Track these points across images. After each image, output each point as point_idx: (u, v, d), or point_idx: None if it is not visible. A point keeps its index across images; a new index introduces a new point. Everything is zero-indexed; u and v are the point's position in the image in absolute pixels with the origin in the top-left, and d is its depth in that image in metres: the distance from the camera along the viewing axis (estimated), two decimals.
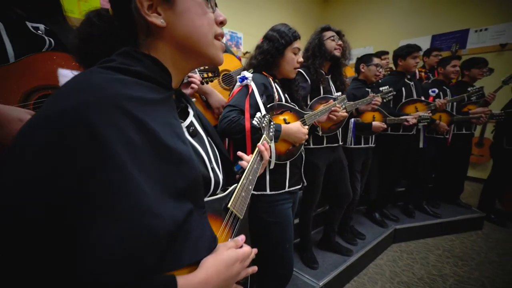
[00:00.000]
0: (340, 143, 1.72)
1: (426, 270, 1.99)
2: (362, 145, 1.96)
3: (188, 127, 0.50)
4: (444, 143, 2.50)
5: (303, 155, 1.20)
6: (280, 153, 1.02)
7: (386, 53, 3.11)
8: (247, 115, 0.94)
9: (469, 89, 2.32)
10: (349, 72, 2.83)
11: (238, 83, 1.01)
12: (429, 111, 2.19)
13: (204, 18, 0.44)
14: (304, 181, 1.22)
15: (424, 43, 4.62)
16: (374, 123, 1.86)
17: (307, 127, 1.06)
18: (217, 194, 0.54)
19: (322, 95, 1.52)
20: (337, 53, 1.56)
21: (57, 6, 0.81)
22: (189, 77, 1.05)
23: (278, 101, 1.06)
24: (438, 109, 2.23)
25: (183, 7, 0.42)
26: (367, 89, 1.98)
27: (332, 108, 1.22)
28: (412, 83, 2.31)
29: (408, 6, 4.77)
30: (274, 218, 1.11)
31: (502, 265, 2.07)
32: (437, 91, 2.36)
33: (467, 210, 2.74)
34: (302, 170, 1.21)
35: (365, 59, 2.01)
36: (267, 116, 0.81)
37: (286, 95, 1.17)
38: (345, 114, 1.37)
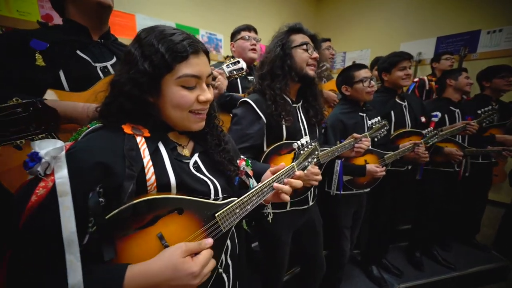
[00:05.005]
0: (311, 203, 1.18)
1: None
2: (354, 191, 1.42)
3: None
4: (454, 177, 1.95)
5: (228, 243, 0.66)
6: None
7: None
8: None
9: (479, 111, 1.76)
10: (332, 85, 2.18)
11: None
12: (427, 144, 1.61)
13: None
14: None
15: (428, 46, 4.10)
16: (368, 166, 1.33)
17: (200, 264, 0.47)
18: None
19: (284, 141, 0.99)
20: (310, 71, 1.02)
21: None
22: None
23: (157, 187, 0.50)
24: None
25: None
26: (360, 113, 1.45)
27: (285, 180, 0.67)
28: (405, 103, 1.75)
29: (410, 5, 4.25)
30: None
31: None
32: (439, 115, 1.82)
33: (486, 254, 2.21)
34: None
35: (344, 78, 1.45)
36: None
37: (199, 160, 0.64)
38: (316, 177, 0.87)
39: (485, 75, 2.14)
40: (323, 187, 1.42)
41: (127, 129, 0.53)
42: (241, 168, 0.75)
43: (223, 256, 0.61)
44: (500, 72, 2.05)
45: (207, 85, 0.60)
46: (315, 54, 1.03)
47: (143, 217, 0.46)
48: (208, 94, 0.57)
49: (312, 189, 1.14)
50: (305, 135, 1.06)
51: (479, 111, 1.76)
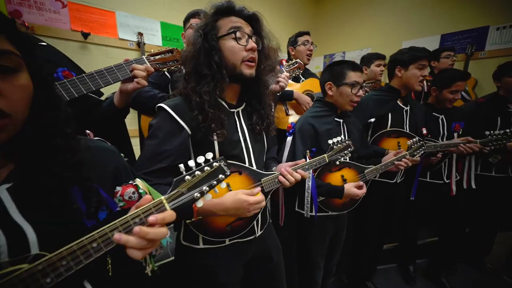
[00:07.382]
0: (259, 232, 0.91)
1: None
2: (330, 213, 1.17)
3: None
4: (446, 190, 1.66)
5: None
6: None
7: (381, 57, 2.28)
8: None
9: (486, 132, 1.45)
10: (316, 87, 1.83)
11: None
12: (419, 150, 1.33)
13: None
14: None
15: (432, 44, 3.80)
16: (347, 187, 1.08)
17: None
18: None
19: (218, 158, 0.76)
20: (246, 70, 0.77)
21: None
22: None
23: None
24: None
25: None
26: (337, 119, 1.19)
27: (135, 229, 0.40)
28: (407, 108, 1.49)
29: (412, 0, 3.98)
30: None
31: None
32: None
33: (497, 281, 1.92)
34: None
35: (334, 73, 1.18)
36: None
37: (6, 194, 0.40)
38: (254, 207, 0.69)
39: (495, 74, 1.88)
40: (293, 207, 1.17)
41: None
42: (126, 197, 0.52)
43: None
44: (509, 70, 1.78)
45: None
46: (252, 44, 0.76)
47: None
48: None
49: (260, 216, 0.89)
50: (246, 148, 0.82)
51: (486, 132, 1.46)
